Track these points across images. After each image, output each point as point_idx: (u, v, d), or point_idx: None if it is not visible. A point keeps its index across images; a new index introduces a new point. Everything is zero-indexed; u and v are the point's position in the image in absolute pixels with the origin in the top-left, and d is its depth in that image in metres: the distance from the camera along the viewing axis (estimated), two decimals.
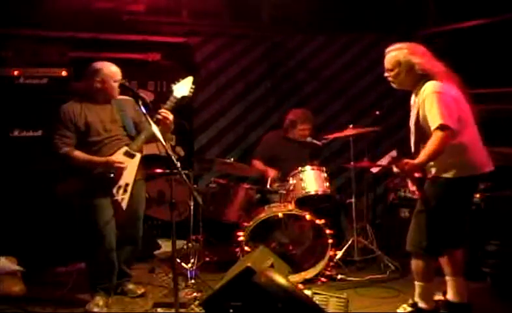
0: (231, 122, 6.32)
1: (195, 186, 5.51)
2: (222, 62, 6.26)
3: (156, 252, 5.37)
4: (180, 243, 5.01)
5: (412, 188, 3.74)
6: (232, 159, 5.30)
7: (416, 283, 3.64)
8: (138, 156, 4.05)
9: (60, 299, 4.16)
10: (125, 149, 4.02)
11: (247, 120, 6.37)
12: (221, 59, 6.26)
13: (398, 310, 3.75)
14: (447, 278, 3.63)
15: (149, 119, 3.62)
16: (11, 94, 4.86)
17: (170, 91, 4.10)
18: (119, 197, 3.90)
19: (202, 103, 6.24)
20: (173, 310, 3.56)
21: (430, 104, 3.36)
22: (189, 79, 4.16)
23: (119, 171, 3.93)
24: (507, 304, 4.01)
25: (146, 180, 4.50)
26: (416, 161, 3.42)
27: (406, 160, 3.40)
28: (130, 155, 4.02)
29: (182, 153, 6.02)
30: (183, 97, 4.12)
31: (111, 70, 4.05)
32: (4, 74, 4.86)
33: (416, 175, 3.56)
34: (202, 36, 6.19)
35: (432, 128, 3.33)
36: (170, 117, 3.97)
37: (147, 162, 4.47)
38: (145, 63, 5.94)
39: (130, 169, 3.98)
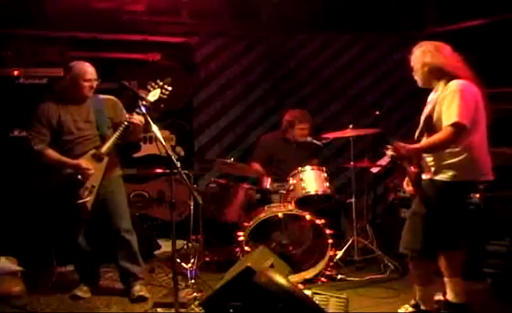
0: (231, 122, 6.32)
1: (195, 186, 5.51)
2: (222, 62, 6.26)
3: (156, 252, 5.37)
4: (180, 243, 5.01)
5: (408, 187, 3.73)
6: (232, 159, 5.30)
7: (415, 286, 3.64)
8: (106, 159, 4.10)
9: (60, 299, 4.17)
10: (93, 151, 4.08)
11: (247, 120, 6.37)
12: (221, 59, 6.26)
13: (399, 310, 3.74)
14: (446, 279, 3.63)
15: (149, 119, 3.63)
16: (11, 94, 4.86)
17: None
18: (85, 199, 3.98)
19: (202, 103, 6.24)
20: (173, 310, 3.57)
21: (451, 100, 3.34)
22: (168, 80, 4.18)
23: (86, 174, 4.00)
24: (507, 305, 4.01)
25: (146, 181, 4.53)
26: (414, 146, 3.43)
27: (403, 143, 3.39)
28: (98, 158, 4.07)
29: (182, 153, 6.03)
30: (157, 100, 4.14)
31: (82, 69, 4.07)
32: (4, 74, 4.86)
33: (412, 169, 3.55)
34: (202, 36, 6.19)
35: (447, 123, 3.31)
36: (141, 122, 4.01)
37: (147, 162, 4.48)
38: (145, 63, 5.94)
39: (97, 172, 4.05)
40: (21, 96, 4.88)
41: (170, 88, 4.18)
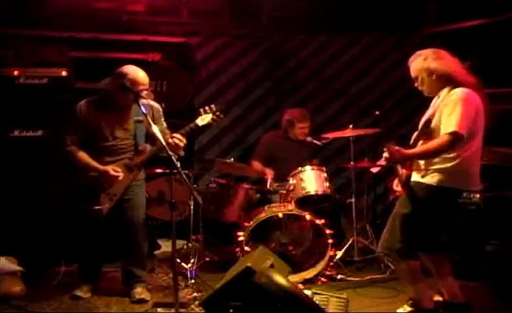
0: (231, 122, 6.32)
1: (195, 186, 5.51)
2: (222, 62, 6.26)
3: (156, 252, 5.36)
4: (180, 243, 5.01)
5: (397, 188, 3.73)
6: (232, 159, 5.30)
7: (408, 285, 3.64)
8: (136, 172, 4.09)
9: (60, 299, 4.17)
10: (126, 161, 4.05)
11: (247, 120, 6.37)
12: (221, 59, 6.26)
13: (398, 310, 3.75)
14: (438, 281, 3.63)
15: (149, 120, 3.63)
16: (11, 94, 4.86)
17: (195, 117, 4.14)
18: (103, 205, 3.95)
19: (202, 103, 6.19)
20: (173, 310, 3.57)
21: (452, 109, 3.31)
22: (221, 106, 4.18)
23: (112, 182, 3.97)
24: (507, 304, 4.02)
25: (146, 181, 4.49)
26: (408, 151, 3.42)
27: (397, 147, 3.39)
28: (129, 169, 4.05)
29: (182, 153, 6.02)
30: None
31: (135, 78, 3.95)
32: (4, 74, 4.86)
33: (403, 171, 3.54)
34: (202, 36, 6.19)
35: (444, 131, 3.30)
36: (182, 143, 4.00)
37: (147, 162, 4.45)
38: (145, 63, 5.93)
39: (123, 181, 4.02)
40: (21, 96, 4.87)
41: (222, 115, 4.17)
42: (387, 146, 3.37)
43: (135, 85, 3.94)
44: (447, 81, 3.46)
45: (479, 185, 3.51)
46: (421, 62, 3.54)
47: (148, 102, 4.14)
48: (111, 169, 3.96)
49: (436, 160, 3.39)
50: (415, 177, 3.51)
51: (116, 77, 3.99)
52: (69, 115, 4.03)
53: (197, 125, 4.12)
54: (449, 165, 3.37)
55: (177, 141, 3.98)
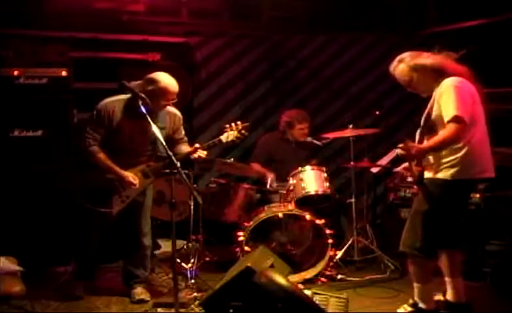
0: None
1: (195, 186, 5.51)
2: (222, 62, 6.26)
3: (156, 252, 5.36)
4: (180, 243, 5.01)
5: (411, 176, 3.73)
6: (232, 159, 5.30)
7: (414, 284, 3.64)
8: (152, 178, 4.10)
9: (60, 299, 4.16)
10: (143, 167, 4.05)
11: (247, 120, 6.33)
12: (221, 59, 6.25)
13: (398, 310, 3.74)
14: (446, 279, 3.64)
15: (149, 119, 3.62)
16: (11, 94, 4.85)
17: (220, 134, 4.14)
18: (114, 207, 3.95)
19: (202, 103, 6.24)
20: (173, 310, 3.57)
21: (447, 96, 3.34)
22: (247, 125, 4.18)
23: (127, 187, 3.97)
24: (507, 304, 4.02)
25: None
26: (423, 145, 3.44)
27: (412, 143, 3.40)
28: (146, 175, 4.06)
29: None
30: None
31: (167, 88, 3.92)
32: (4, 74, 4.85)
33: (416, 167, 3.54)
34: (202, 36, 6.19)
35: (447, 119, 3.31)
36: (203, 155, 4.03)
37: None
38: (145, 63, 5.93)
39: (138, 186, 4.02)
40: (21, 96, 4.87)
41: (247, 133, 4.17)
42: (404, 142, 3.37)
43: (166, 93, 3.93)
44: (440, 73, 3.46)
45: (492, 172, 3.51)
46: (409, 62, 3.54)
47: (172, 110, 4.15)
48: (131, 176, 3.95)
49: (445, 153, 3.40)
50: (428, 174, 3.51)
51: (147, 82, 3.95)
52: (92, 113, 3.99)
53: (220, 141, 4.11)
54: (458, 155, 3.38)
55: (201, 155, 4.03)
